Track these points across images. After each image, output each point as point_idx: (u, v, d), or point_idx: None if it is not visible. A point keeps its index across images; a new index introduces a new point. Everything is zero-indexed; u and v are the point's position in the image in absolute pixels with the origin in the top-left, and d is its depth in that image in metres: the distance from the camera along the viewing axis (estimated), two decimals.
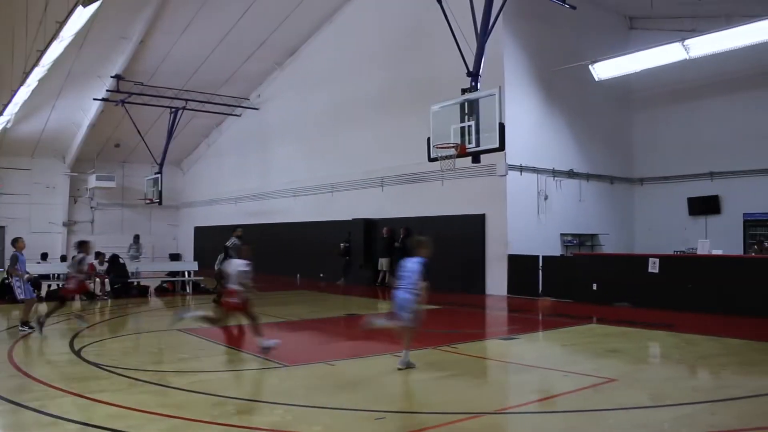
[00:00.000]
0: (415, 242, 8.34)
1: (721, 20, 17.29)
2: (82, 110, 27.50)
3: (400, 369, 7.98)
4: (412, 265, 8.03)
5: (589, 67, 18.25)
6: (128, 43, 22.61)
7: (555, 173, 19.28)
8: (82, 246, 11.95)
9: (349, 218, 22.72)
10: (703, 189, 20.16)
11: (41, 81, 20.19)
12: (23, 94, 20.78)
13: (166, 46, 23.52)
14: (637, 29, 21.61)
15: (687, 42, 16.38)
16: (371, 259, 21.50)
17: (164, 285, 19.84)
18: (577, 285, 16.25)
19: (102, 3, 13.34)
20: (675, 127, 20.94)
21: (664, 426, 5.77)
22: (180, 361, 8.76)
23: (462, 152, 13.02)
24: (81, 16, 13.89)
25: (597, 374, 7.80)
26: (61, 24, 14.55)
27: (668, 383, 7.57)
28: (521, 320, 13.48)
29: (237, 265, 9.20)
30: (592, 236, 20.28)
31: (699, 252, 15.70)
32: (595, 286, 15.92)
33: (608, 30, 21.25)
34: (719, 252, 15.43)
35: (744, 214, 18.76)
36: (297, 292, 19.97)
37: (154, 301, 17.57)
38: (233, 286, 9.05)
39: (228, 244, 15.99)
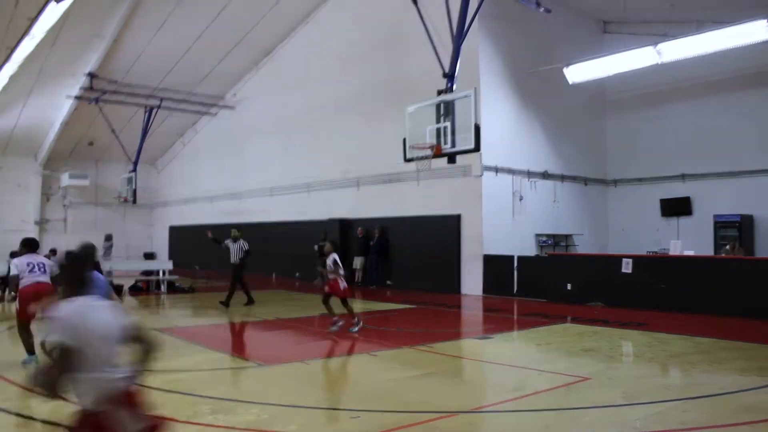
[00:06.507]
0: None
1: (692, 26, 17.55)
2: (55, 108, 27.08)
3: None
4: None
5: (564, 70, 18.40)
6: (102, 41, 22.29)
7: (530, 174, 19.41)
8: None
9: (325, 218, 22.68)
10: (674, 191, 20.44)
11: (12, 78, 19.87)
12: None
13: (141, 44, 23.26)
14: (611, 33, 21.83)
15: (659, 46, 16.59)
16: (347, 259, 21.44)
17: (138, 284, 19.70)
18: (552, 285, 16.39)
19: (75, 0, 13.19)
20: (647, 129, 21.19)
21: (636, 424, 5.84)
22: (155, 360, 8.67)
23: (437, 153, 13.05)
24: (53, 13, 13.72)
25: (571, 373, 7.89)
26: (33, 21, 14.36)
27: (640, 381, 7.67)
28: (496, 320, 13.56)
29: None
30: (567, 237, 20.45)
31: (671, 252, 15.96)
32: (569, 286, 16.07)
33: (582, 33, 21.45)
34: (691, 253, 15.70)
35: (714, 216, 19.04)
36: (273, 292, 19.89)
37: (128, 299, 17.38)
38: None
39: None
